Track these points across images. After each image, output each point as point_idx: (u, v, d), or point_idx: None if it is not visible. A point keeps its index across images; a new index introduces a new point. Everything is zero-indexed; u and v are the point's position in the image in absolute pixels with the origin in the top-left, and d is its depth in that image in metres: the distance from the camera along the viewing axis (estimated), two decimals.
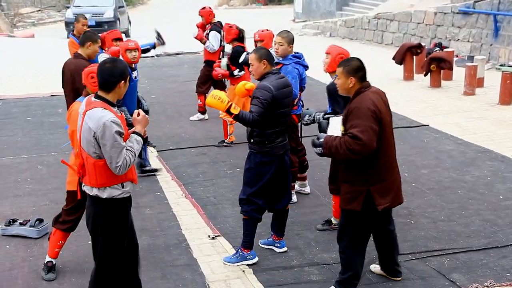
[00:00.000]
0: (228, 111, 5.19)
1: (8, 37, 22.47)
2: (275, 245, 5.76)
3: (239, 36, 8.97)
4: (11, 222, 6.19)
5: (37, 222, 6.14)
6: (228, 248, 5.77)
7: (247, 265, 5.45)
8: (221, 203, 6.93)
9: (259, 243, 5.83)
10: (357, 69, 4.66)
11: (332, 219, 6.21)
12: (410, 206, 6.63)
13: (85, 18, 9.40)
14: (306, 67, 6.56)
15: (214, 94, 5.25)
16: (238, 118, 5.22)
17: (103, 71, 4.15)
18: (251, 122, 5.21)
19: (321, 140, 4.65)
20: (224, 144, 9.12)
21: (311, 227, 6.26)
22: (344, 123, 4.61)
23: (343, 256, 4.82)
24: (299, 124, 6.57)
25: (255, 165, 5.39)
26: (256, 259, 5.52)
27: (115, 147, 4.02)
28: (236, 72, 8.76)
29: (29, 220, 6.19)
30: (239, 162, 8.33)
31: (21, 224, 6.14)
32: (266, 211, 5.67)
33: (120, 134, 4.07)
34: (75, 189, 4.95)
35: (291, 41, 6.40)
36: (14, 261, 5.64)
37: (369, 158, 4.54)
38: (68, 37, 10.24)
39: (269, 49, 6.80)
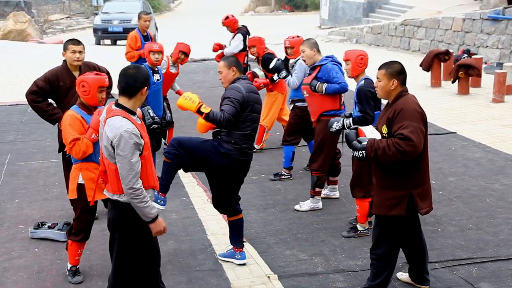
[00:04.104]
0: (198, 111, 5.23)
1: (38, 43, 22.84)
2: (235, 256, 5.61)
3: None
4: (40, 225, 6.28)
5: (65, 225, 6.21)
6: (253, 254, 5.77)
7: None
8: (246, 209, 6.93)
9: (218, 256, 5.74)
10: (399, 71, 4.63)
11: (358, 225, 6.17)
12: (437, 214, 6.55)
13: (147, 14, 9.49)
14: (340, 64, 6.64)
15: (185, 96, 5.34)
16: (209, 117, 5.23)
17: (128, 76, 4.13)
18: (222, 120, 5.22)
19: (364, 143, 4.57)
20: (254, 150, 9.09)
21: (337, 233, 6.23)
22: (388, 125, 4.55)
23: (377, 263, 4.75)
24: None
25: (212, 147, 5.32)
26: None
27: (127, 158, 3.99)
28: (275, 77, 8.71)
29: (57, 224, 6.28)
30: (264, 168, 8.33)
31: (49, 227, 6.23)
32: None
33: (137, 145, 4.04)
34: (75, 197, 5.13)
35: (313, 45, 6.60)
36: (42, 264, 5.72)
37: (413, 161, 4.50)
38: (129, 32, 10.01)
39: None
